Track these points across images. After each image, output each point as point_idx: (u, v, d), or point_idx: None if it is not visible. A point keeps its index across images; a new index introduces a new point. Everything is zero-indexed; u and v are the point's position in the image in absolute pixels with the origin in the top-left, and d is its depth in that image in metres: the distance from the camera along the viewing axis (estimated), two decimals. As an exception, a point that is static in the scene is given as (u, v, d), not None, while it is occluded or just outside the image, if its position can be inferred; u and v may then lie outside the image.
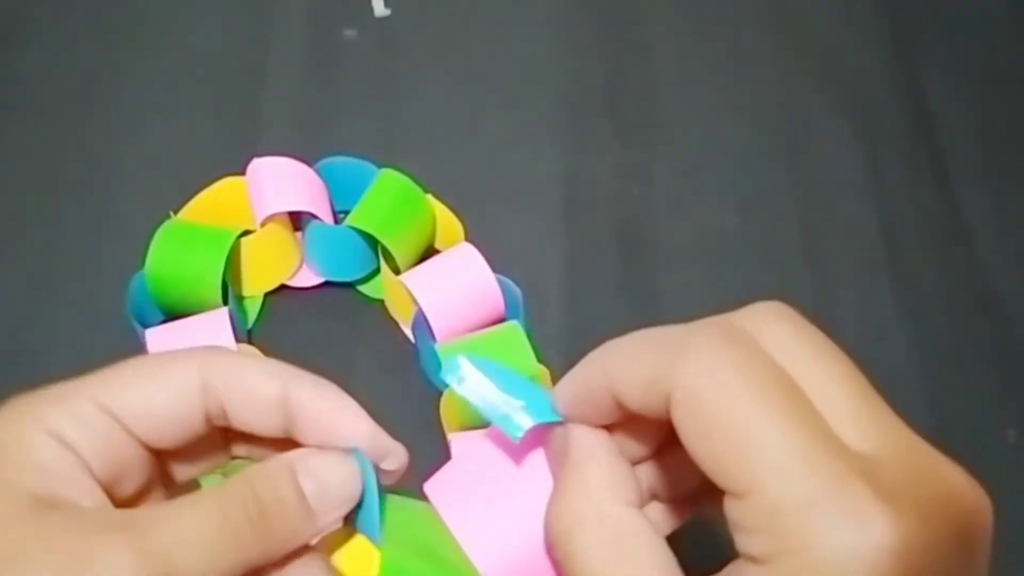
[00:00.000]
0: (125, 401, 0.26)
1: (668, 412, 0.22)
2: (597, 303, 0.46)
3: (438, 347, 0.41)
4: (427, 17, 0.54)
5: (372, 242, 0.44)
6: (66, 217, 0.47)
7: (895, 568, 0.21)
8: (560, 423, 0.25)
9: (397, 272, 0.43)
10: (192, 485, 0.28)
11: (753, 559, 0.21)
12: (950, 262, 0.48)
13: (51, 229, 0.47)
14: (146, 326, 0.41)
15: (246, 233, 0.44)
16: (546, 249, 0.47)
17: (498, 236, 0.45)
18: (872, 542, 0.20)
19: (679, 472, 0.26)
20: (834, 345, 0.24)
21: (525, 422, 0.25)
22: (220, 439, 0.28)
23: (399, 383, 0.43)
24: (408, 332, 0.44)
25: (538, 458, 0.26)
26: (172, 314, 0.43)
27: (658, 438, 0.26)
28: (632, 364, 0.24)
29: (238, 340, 0.42)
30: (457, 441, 0.39)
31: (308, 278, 0.46)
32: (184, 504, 0.25)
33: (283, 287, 0.46)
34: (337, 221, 0.46)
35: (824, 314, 0.45)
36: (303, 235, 0.45)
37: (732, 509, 0.21)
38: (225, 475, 0.27)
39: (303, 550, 0.26)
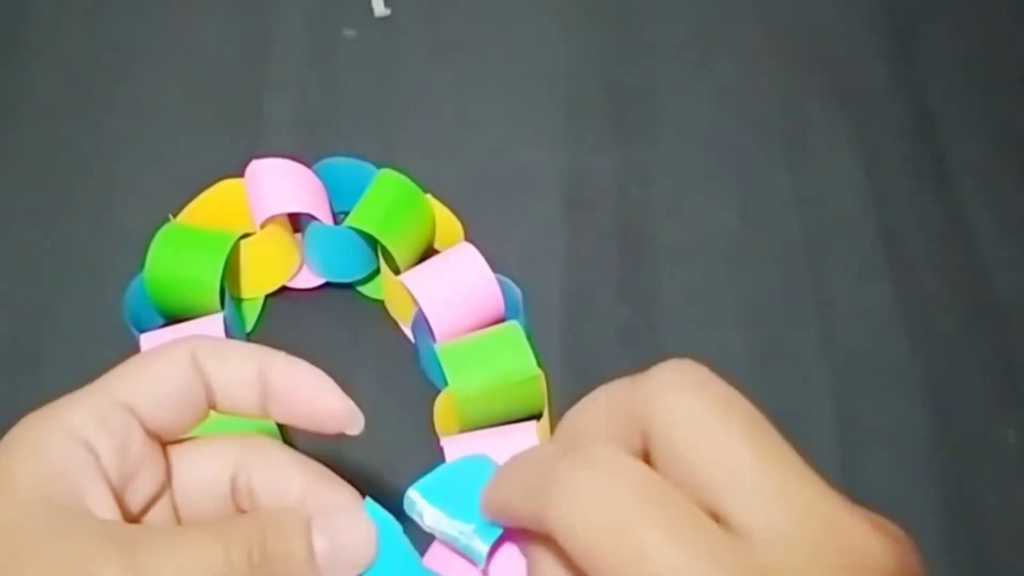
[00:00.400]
0: (136, 391, 0.27)
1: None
2: (597, 303, 0.46)
3: (438, 347, 0.41)
4: (427, 17, 0.54)
5: (372, 242, 0.44)
6: (65, 219, 0.47)
7: None
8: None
9: (397, 272, 0.43)
10: (196, 496, 0.28)
11: None
12: (950, 262, 0.48)
13: (50, 231, 0.47)
14: (144, 330, 0.41)
15: (246, 235, 0.44)
16: (546, 249, 0.47)
17: (498, 236, 0.45)
18: None
19: None
20: (743, 405, 0.22)
21: (481, 547, 0.26)
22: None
23: (399, 383, 0.43)
24: (408, 332, 0.44)
25: None
26: (171, 318, 0.43)
27: None
28: (514, 487, 0.24)
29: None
30: (450, 445, 0.39)
31: (308, 279, 0.46)
32: (188, 531, 0.25)
33: (283, 289, 0.46)
34: (337, 222, 0.46)
35: (824, 314, 0.46)
36: (303, 236, 0.45)
37: None
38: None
39: None
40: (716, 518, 0.21)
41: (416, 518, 0.27)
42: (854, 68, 0.53)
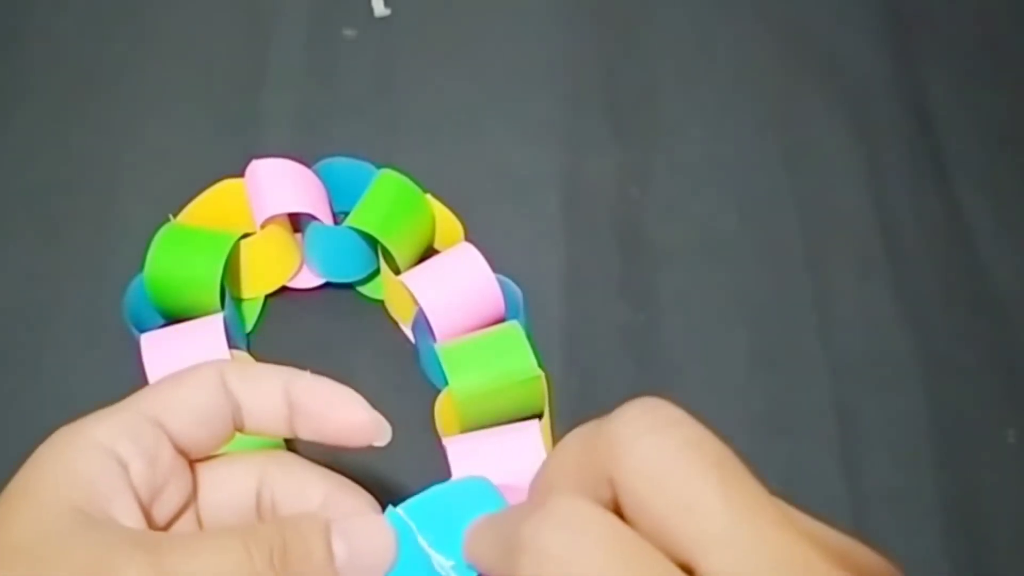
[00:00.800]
0: (165, 409, 0.27)
1: None
2: (597, 303, 0.46)
3: (438, 347, 0.41)
4: (427, 17, 0.54)
5: (372, 242, 0.44)
6: (65, 219, 0.47)
7: None
8: None
9: (397, 272, 0.43)
10: (221, 510, 0.29)
11: None
12: (950, 262, 0.48)
13: (49, 231, 0.47)
14: (144, 330, 0.41)
15: (246, 235, 0.44)
16: (546, 249, 0.47)
17: (498, 236, 0.45)
18: None
19: None
20: (713, 447, 0.21)
21: None
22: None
23: (399, 383, 0.43)
24: (408, 332, 0.44)
25: None
26: (171, 318, 0.43)
27: None
28: (485, 548, 0.24)
29: (235, 345, 0.42)
30: (452, 445, 0.39)
31: (308, 279, 0.46)
32: (210, 535, 0.26)
33: (283, 289, 0.46)
34: (337, 222, 0.46)
35: (824, 314, 0.46)
36: (303, 236, 0.45)
37: None
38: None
39: None
40: (688, 570, 0.20)
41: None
42: (854, 68, 0.53)
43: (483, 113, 0.51)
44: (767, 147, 0.51)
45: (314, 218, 0.44)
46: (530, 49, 0.53)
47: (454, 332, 0.42)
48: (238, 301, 0.45)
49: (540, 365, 0.40)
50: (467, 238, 0.45)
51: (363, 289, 0.46)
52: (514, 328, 0.41)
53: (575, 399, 0.43)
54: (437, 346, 0.41)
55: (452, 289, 0.42)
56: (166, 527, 0.27)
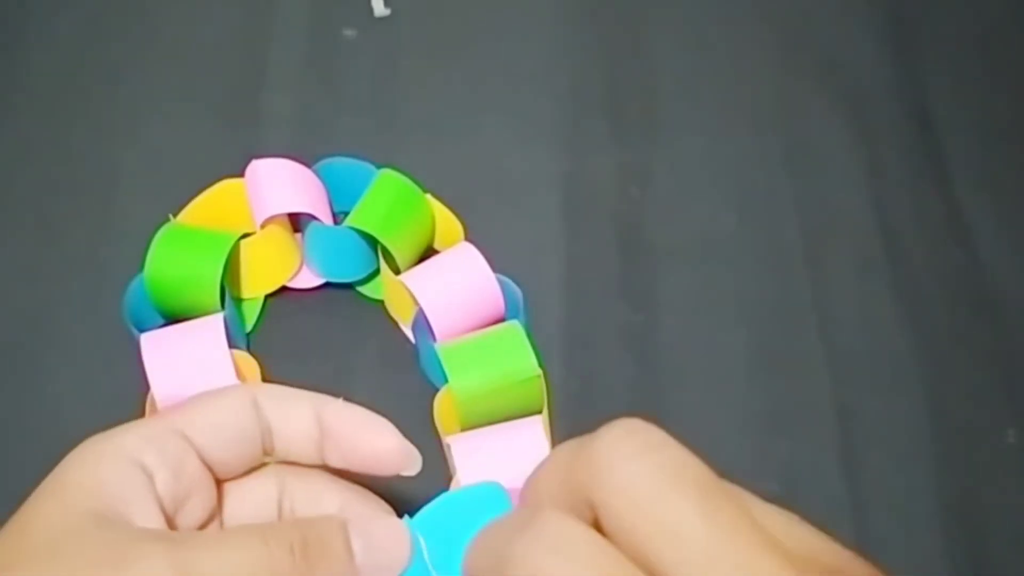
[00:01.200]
0: (194, 425, 0.28)
1: None
2: (597, 303, 0.46)
3: (438, 347, 0.41)
4: (427, 17, 0.54)
5: (372, 242, 0.44)
6: (65, 219, 0.47)
7: None
8: None
9: (397, 272, 0.43)
10: (244, 522, 0.30)
11: None
12: (950, 262, 0.48)
13: (49, 231, 0.47)
14: (144, 330, 0.41)
15: (246, 235, 0.44)
16: (546, 249, 0.47)
17: (498, 236, 0.45)
18: None
19: None
20: (696, 471, 0.20)
21: None
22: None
23: (399, 383, 0.43)
24: (408, 332, 0.44)
25: None
26: (171, 318, 0.43)
27: None
28: (478, 566, 0.23)
29: (235, 344, 0.42)
30: (456, 442, 0.39)
31: (308, 279, 0.46)
32: (228, 532, 0.26)
33: (283, 289, 0.46)
34: (337, 222, 0.46)
35: (823, 314, 0.46)
36: (303, 236, 0.45)
37: None
38: None
39: None
40: None
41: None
42: (854, 68, 0.53)
43: (483, 113, 0.51)
44: (767, 147, 0.51)
45: (314, 218, 0.44)
46: (530, 49, 0.53)
47: (454, 332, 0.42)
48: (238, 301, 0.45)
49: (540, 365, 0.40)
50: (467, 238, 0.45)
51: (363, 289, 0.46)
52: (514, 328, 0.41)
53: (575, 399, 0.43)
54: (437, 346, 0.41)
55: (452, 289, 0.42)
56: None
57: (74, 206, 0.47)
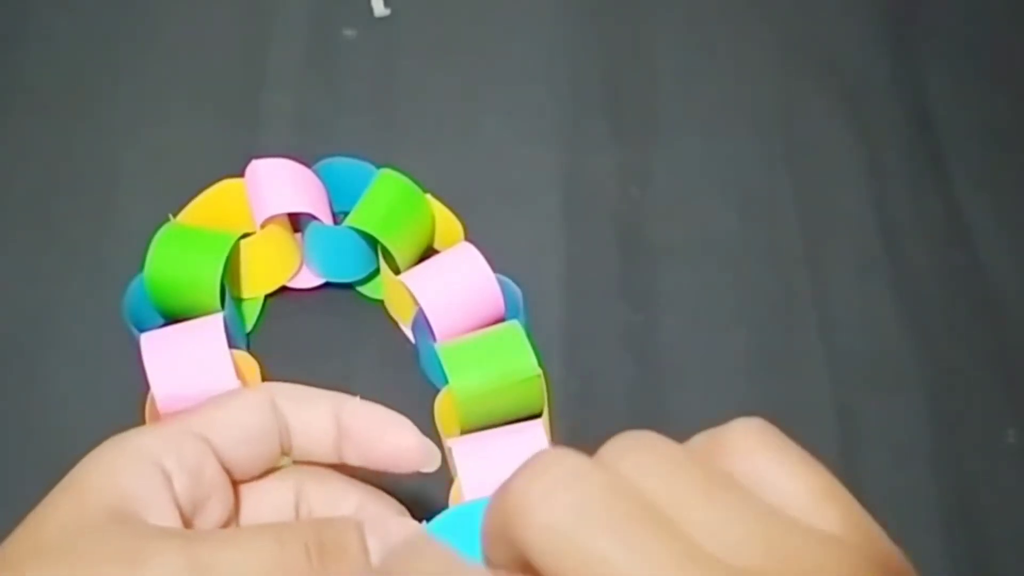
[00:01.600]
0: (213, 427, 0.28)
1: None
2: (597, 303, 0.46)
3: (438, 347, 0.41)
4: (427, 17, 0.54)
5: (372, 242, 0.44)
6: (65, 219, 0.47)
7: None
8: None
9: (397, 272, 0.43)
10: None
11: None
12: (950, 262, 0.48)
13: (49, 231, 0.47)
14: (144, 330, 0.41)
15: (246, 235, 0.44)
16: (546, 249, 0.47)
17: (498, 236, 0.45)
18: None
19: None
20: (618, 498, 0.19)
21: None
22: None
23: (399, 383, 0.43)
24: (408, 332, 0.44)
25: None
26: (171, 318, 0.43)
27: None
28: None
29: (235, 344, 0.42)
30: (458, 445, 0.39)
31: (308, 279, 0.46)
32: (244, 530, 0.26)
33: (283, 289, 0.46)
34: (337, 222, 0.46)
35: (823, 314, 0.46)
36: (303, 236, 0.45)
37: None
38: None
39: None
40: None
41: None
42: (854, 68, 0.53)
43: (483, 113, 0.51)
44: (767, 147, 0.51)
45: (314, 218, 0.44)
46: (530, 49, 0.53)
47: (454, 332, 0.42)
48: (238, 301, 0.45)
49: (540, 365, 0.40)
50: (467, 238, 0.45)
51: (363, 289, 0.46)
52: (514, 328, 0.41)
53: (575, 399, 0.43)
54: (437, 346, 0.41)
55: (452, 289, 0.42)
56: None
57: (74, 206, 0.47)
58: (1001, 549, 0.41)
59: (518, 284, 0.43)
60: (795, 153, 0.51)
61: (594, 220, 0.48)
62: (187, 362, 0.40)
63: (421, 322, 0.42)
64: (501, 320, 0.43)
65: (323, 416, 0.29)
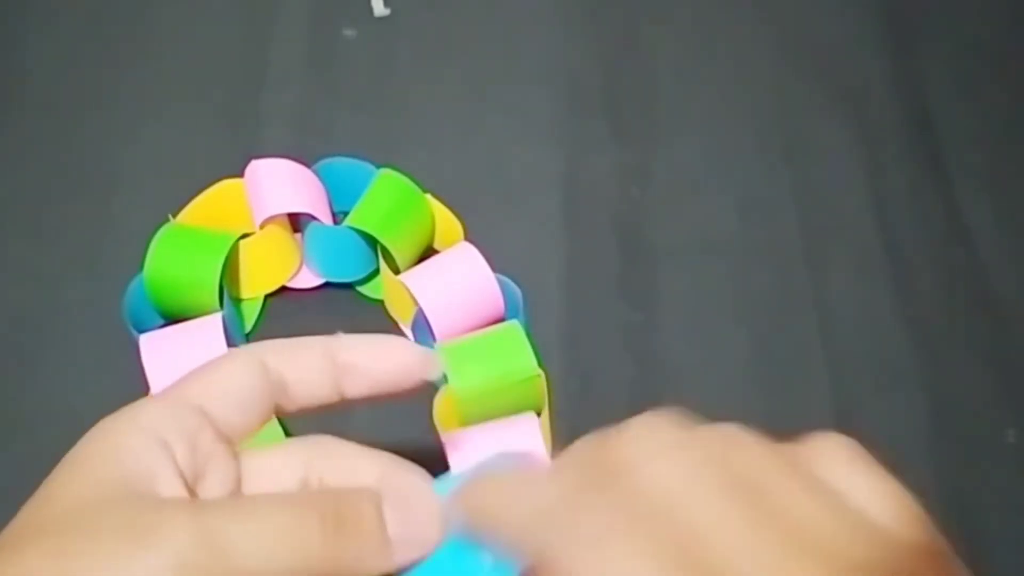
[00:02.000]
0: (205, 392, 0.27)
1: None
2: (597, 303, 0.46)
3: (438, 346, 0.41)
4: (427, 17, 0.54)
5: (372, 242, 0.44)
6: (65, 219, 0.47)
7: None
8: None
9: (397, 272, 0.43)
10: None
11: None
12: (950, 262, 0.48)
13: (50, 231, 0.47)
14: (144, 330, 0.41)
15: (246, 235, 0.44)
16: (546, 249, 0.47)
17: (498, 236, 0.45)
18: None
19: None
20: (720, 470, 0.21)
21: None
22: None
23: (399, 383, 0.43)
24: (408, 332, 0.44)
25: None
26: (170, 318, 0.43)
27: None
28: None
29: (234, 344, 0.42)
30: (451, 440, 0.39)
31: (308, 279, 0.46)
32: (258, 499, 0.25)
33: (283, 289, 0.46)
34: (336, 222, 0.46)
35: (823, 314, 0.46)
36: (303, 236, 0.45)
37: None
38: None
39: None
40: None
41: None
42: (854, 68, 0.53)
43: (483, 113, 0.51)
44: (767, 147, 0.51)
45: (314, 218, 0.44)
46: (530, 49, 0.53)
47: (454, 332, 0.42)
48: (238, 301, 0.45)
49: (540, 364, 0.40)
50: (467, 238, 0.45)
51: (363, 289, 0.46)
52: (514, 328, 0.41)
53: (575, 399, 0.43)
54: (437, 346, 0.41)
55: (452, 289, 0.42)
56: None
57: (74, 206, 0.47)
58: (1001, 549, 0.41)
59: (518, 284, 0.43)
60: (795, 153, 0.51)
61: (594, 220, 0.48)
62: (187, 362, 0.39)
63: (421, 322, 0.42)
64: (501, 320, 0.43)
65: (315, 358, 0.28)
